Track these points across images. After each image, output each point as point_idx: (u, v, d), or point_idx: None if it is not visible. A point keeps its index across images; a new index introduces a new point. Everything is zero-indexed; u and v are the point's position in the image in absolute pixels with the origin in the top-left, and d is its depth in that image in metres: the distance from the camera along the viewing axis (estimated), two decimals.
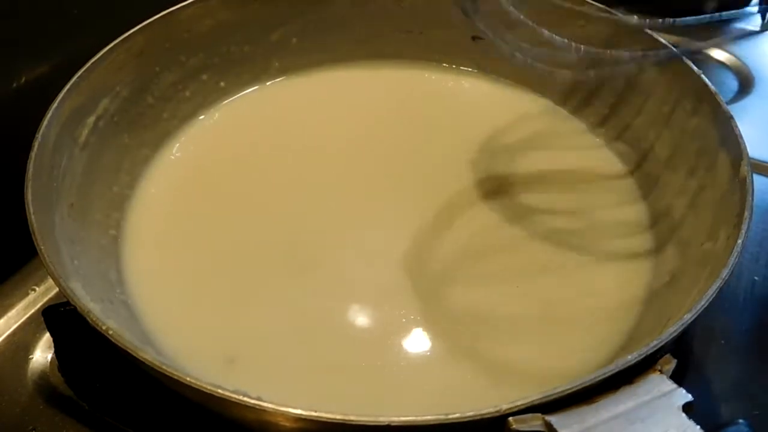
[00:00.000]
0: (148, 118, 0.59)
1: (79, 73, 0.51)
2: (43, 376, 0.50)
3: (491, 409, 0.33)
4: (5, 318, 0.54)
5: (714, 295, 0.38)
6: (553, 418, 0.34)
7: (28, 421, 0.48)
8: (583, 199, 0.57)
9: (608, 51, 0.49)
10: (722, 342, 0.53)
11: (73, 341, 0.49)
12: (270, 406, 0.34)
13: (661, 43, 0.55)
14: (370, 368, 0.46)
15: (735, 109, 0.49)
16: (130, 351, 0.36)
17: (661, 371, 0.36)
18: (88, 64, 0.52)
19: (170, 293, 0.50)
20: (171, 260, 0.52)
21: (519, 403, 0.34)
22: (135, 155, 0.58)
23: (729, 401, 0.49)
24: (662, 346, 0.36)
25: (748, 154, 0.46)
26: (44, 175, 0.46)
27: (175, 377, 0.35)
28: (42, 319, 0.50)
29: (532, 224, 0.54)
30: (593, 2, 0.59)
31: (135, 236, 0.54)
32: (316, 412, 0.33)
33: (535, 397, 0.34)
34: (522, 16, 0.47)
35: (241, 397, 0.34)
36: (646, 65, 0.57)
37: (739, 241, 0.41)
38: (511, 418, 0.33)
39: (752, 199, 0.44)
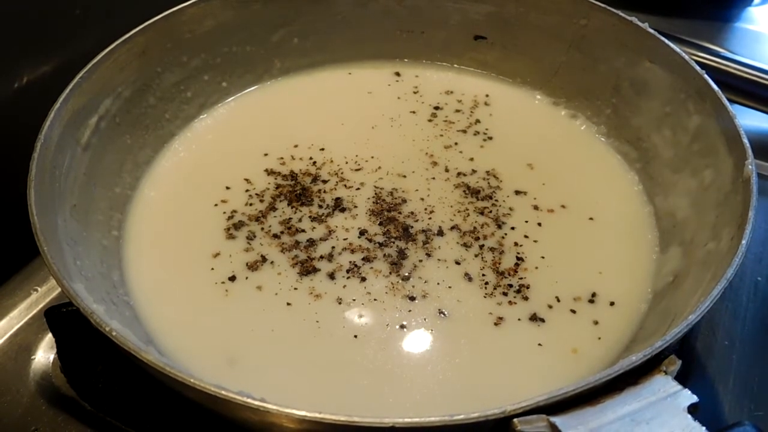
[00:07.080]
0: (150, 118, 0.59)
1: (81, 73, 0.51)
2: (45, 377, 0.50)
3: (496, 410, 0.33)
4: (7, 318, 0.54)
5: (718, 296, 0.38)
6: (557, 420, 0.34)
7: (30, 421, 0.48)
8: (586, 199, 0.56)
9: None
10: (726, 343, 0.52)
11: (76, 342, 0.49)
12: (274, 407, 0.34)
13: (663, 42, 0.55)
14: (371, 368, 0.46)
15: None
16: (133, 352, 0.36)
17: (665, 372, 0.36)
18: (89, 65, 0.52)
19: (172, 294, 0.50)
20: (173, 261, 0.52)
21: (524, 404, 0.34)
22: (137, 156, 0.58)
23: (733, 402, 0.49)
24: (667, 347, 0.36)
25: (751, 153, 0.46)
26: (46, 176, 0.46)
27: (179, 379, 0.35)
28: (44, 319, 0.50)
29: (532, 224, 0.54)
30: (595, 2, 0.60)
31: (137, 237, 0.54)
32: (320, 413, 0.33)
33: (539, 398, 0.34)
34: None
35: (245, 399, 0.34)
36: (648, 65, 0.57)
37: (743, 242, 0.41)
38: (515, 419, 0.33)
39: (756, 199, 0.43)
